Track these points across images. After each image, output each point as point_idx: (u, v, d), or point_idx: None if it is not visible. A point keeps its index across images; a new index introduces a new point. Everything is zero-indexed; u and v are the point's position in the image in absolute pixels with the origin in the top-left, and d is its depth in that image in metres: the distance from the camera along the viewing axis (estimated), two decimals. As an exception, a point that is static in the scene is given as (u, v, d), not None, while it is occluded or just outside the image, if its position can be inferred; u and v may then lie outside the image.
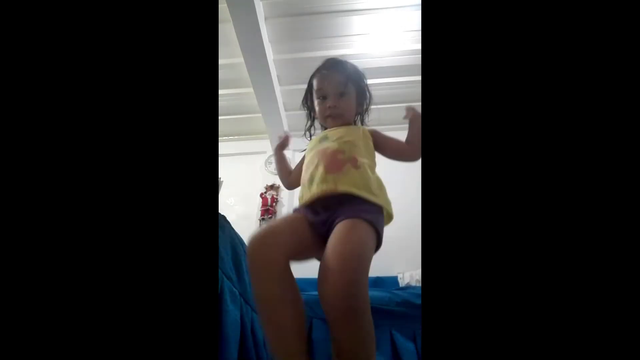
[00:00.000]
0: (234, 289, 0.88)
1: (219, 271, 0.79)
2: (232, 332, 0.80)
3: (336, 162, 0.80)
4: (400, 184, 2.81)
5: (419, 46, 2.42)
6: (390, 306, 1.59)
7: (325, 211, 0.76)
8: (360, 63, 2.55)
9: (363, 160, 0.83)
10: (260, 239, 0.68)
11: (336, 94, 0.96)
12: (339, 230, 0.67)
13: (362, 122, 1.07)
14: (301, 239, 0.74)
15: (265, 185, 2.88)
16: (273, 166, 2.99)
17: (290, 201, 2.85)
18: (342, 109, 0.96)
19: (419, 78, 2.61)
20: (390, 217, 0.83)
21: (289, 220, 0.76)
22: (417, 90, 2.69)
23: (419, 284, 2.23)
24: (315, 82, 1.01)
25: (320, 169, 0.80)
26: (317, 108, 1.00)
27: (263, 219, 2.71)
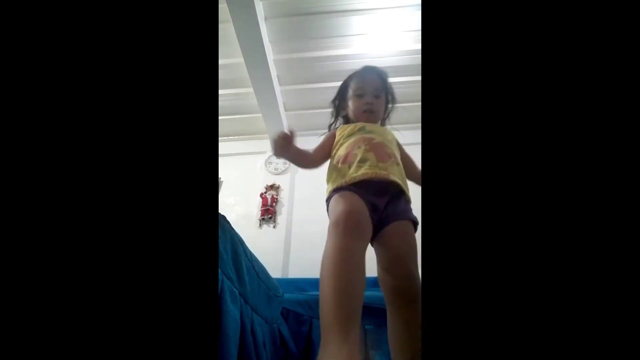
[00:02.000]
0: (234, 289, 0.88)
1: (219, 271, 0.79)
2: (232, 332, 0.80)
3: (384, 153, 0.91)
4: (400, 184, 2.82)
5: (419, 46, 2.42)
6: (390, 306, 1.59)
7: (377, 196, 0.84)
8: (360, 63, 2.55)
9: (399, 160, 0.96)
10: (357, 207, 0.78)
11: (373, 94, 1.12)
12: (401, 232, 0.82)
13: (384, 124, 1.20)
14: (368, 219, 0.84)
15: (265, 185, 2.88)
16: (273, 166, 2.99)
17: (290, 201, 2.84)
18: (375, 108, 1.11)
19: (419, 78, 2.61)
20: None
21: (359, 201, 0.82)
22: (417, 90, 2.69)
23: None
24: (353, 82, 1.15)
25: (372, 155, 0.89)
26: (352, 105, 1.13)
27: (263, 219, 2.71)
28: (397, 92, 2.84)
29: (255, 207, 2.80)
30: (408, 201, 0.91)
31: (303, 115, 2.97)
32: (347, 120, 1.18)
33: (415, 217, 0.88)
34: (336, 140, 1.05)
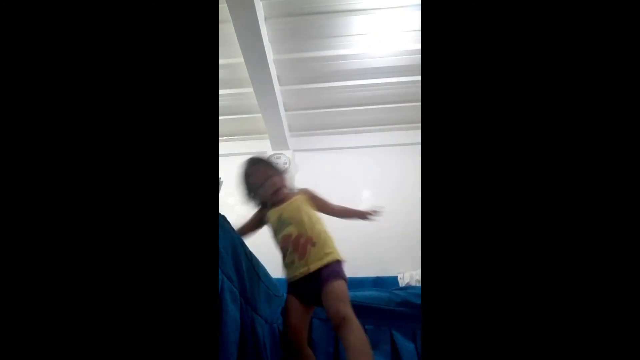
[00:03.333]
0: (234, 289, 0.88)
1: (219, 271, 0.79)
2: (232, 332, 0.80)
3: (301, 248, 1.15)
4: (401, 184, 2.82)
5: (419, 46, 2.42)
6: (390, 306, 1.59)
7: (309, 282, 1.12)
8: (360, 63, 2.55)
9: (314, 234, 1.17)
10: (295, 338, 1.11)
11: (266, 179, 1.32)
12: (326, 292, 1.06)
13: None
14: (307, 318, 1.19)
15: (265, 185, 2.87)
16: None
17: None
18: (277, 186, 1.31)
19: (419, 78, 2.60)
20: (342, 259, 1.20)
21: (298, 312, 1.14)
22: (417, 90, 2.69)
23: (419, 284, 2.22)
24: (250, 179, 1.37)
25: (295, 255, 1.15)
26: (262, 192, 1.33)
27: (263, 219, 2.71)
28: (397, 92, 2.85)
29: (255, 207, 2.80)
30: (330, 266, 1.12)
31: (303, 115, 2.97)
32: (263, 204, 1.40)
33: (338, 271, 1.13)
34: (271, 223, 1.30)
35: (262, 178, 1.32)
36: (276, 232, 1.25)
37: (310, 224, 1.20)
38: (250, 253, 1.05)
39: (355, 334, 0.97)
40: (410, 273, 2.36)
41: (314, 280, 1.11)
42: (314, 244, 1.15)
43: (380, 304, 1.59)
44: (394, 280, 2.39)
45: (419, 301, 1.59)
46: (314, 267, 1.12)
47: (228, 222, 0.91)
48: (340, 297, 1.05)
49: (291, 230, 1.19)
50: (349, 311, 1.01)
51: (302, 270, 1.13)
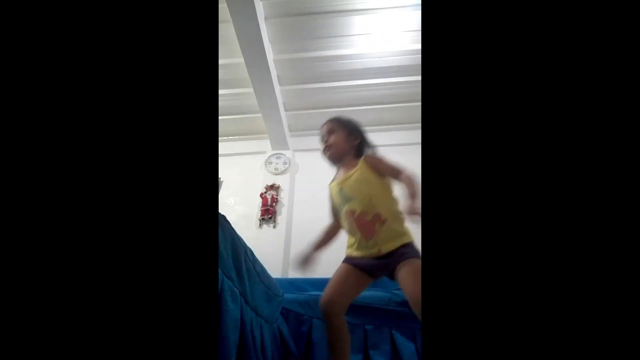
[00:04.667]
0: (234, 288, 0.88)
1: (219, 271, 0.79)
2: (232, 332, 0.80)
3: (368, 227, 1.01)
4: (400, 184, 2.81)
5: (419, 46, 2.42)
6: (390, 306, 1.59)
7: (378, 260, 1.00)
8: (360, 63, 2.55)
9: (383, 210, 1.02)
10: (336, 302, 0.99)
11: (326, 135, 1.19)
12: (408, 269, 0.94)
13: (359, 155, 1.20)
14: (357, 288, 1.04)
15: (265, 185, 2.88)
16: (273, 166, 2.99)
17: (290, 201, 2.85)
18: (331, 143, 1.18)
19: (419, 78, 2.60)
20: (412, 239, 1.05)
21: (349, 275, 1.02)
22: (417, 90, 2.69)
23: (419, 284, 2.22)
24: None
25: (360, 237, 1.02)
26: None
27: (263, 219, 2.71)
28: (397, 92, 2.84)
29: (255, 207, 2.80)
30: (405, 248, 1.00)
31: (303, 115, 2.97)
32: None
33: (410, 253, 0.98)
34: (332, 198, 1.18)
35: (325, 134, 1.19)
36: (339, 208, 1.10)
37: (376, 198, 1.04)
38: (251, 253, 1.05)
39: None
40: (410, 273, 2.36)
41: (386, 258, 0.98)
42: (383, 222, 1.00)
43: (380, 304, 1.58)
44: (394, 280, 2.39)
45: (419, 301, 1.59)
46: (385, 248, 0.98)
47: (228, 222, 0.91)
48: (419, 289, 0.90)
49: (354, 206, 1.04)
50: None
51: (372, 252, 0.99)
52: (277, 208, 2.79)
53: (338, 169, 1.19)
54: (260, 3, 2.11)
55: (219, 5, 1.89)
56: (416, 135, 2.93)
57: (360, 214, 1.02)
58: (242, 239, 0.99)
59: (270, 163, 3.01)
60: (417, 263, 0.93)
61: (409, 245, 1.00)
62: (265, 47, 2.22)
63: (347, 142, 1.17)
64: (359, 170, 1.09)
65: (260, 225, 2.70)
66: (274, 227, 2.68)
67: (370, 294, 1.61)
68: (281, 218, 2.73)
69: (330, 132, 1.18)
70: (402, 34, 2.37)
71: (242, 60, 2.30)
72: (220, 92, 2.75)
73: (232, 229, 0.93)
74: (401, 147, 3.01)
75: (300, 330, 1.50)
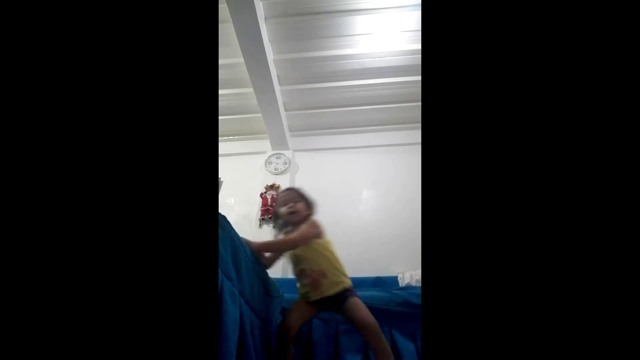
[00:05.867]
0: (234, 289, 0.88)
1: (219, 271, 0.79)
2: (232, 332, 0.80)
3: (314, 281, 1.28)
4: (400, 184, 2.82)
5: (419, 46, 2.42)
6: (390, 306, 1.59)
7: (327, 303, 1.28)
8: (360, 63, 2.55)
9: (324, 267, 1.30)
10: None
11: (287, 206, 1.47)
12: (351, 305, 1.23)
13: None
14: (309, 315, 1.33)
15: (265, 185, 2.88)
16: (273, 166, 2.99)
17: (290, 201, 2.84)
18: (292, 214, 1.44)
19: (419, 78, 2.60)
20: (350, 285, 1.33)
21: (301, 304, 1.30)
22: (417, 90, 2.69)
23: (419, 284, 2.22)
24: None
25: (309, 288, 1.28)
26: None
27: (263, 219, 2.71)
28: (397, 92, 2.85)
29: (255, 207, 2.80)
30: (344, 292, 1.26)
31: (303, 115, 2.97)
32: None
33: (347, 294, 1.26)
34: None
35: (290, 200, 1.47)
36: (294, 266, 1.40)
37: (321, 260, 1.32)
38: (251, 253, 1.05)
39: (384, 339, 1.16)
40: (410, 273, 2.36)
41: (329, 298, 1.26)
42: (325, 276, 1.29)
43: (380, 304, 1.58)
44: (394, 280, 2.39)
45: (419, 301, 1.59)
46: (328, 293, 1.27)
47: (228, 222, 0.91)
48: (363, 308, 1.22)
49: (304, 266, 1.33)
50: (374, 319, 1.18)
51: (316, 297, 1.28)
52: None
53: (288, 231, 1.43)
54: (260, 3, 2.11)
55: (219, 5, 1.90)
56: (416, 135, 2.94)
57: (310, 272, 1.30)
58: (242, 239, 0.99)
59: (270, 163, 3.01)
60: (356, 300, 1.24)
61: (347, 289, 1.28)
62: (265, 47, 2.22)
63: (305, 212, 1.43)
64: (310, 243, 1.35)
65: (260, 225, 2.70)
66: (274, 227, 2.68)
67: (370, 294, 1.61)
68: (281, 218, 2.72)
69: (295, 200, 1.44)
70: (402, 34, 2.37)
71: (242, 60, 2.30)
72: (220, 92, 2.75)
73: (232, 229, 0.93)
74: (401, 147, 3.02)
75: (300, 330, 1.50)
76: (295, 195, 1.48)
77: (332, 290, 1.27)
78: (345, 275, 1.34)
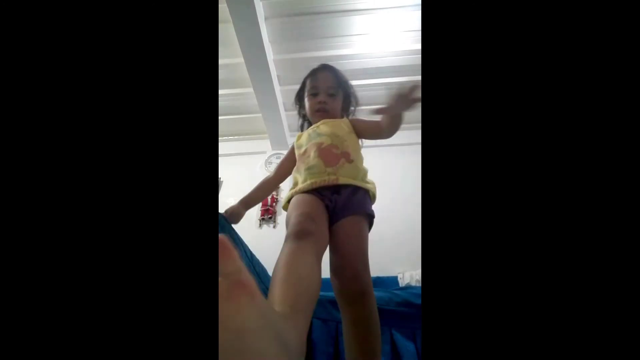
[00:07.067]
0: (234, 289, 0.88)
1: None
2: (232, 332, 0.79)
3: (333, 156, 0.92)
4: (400, 184, 2.81)
5: (419, 46, 2.42)
6: (390, 306, 1.59)
7: (330, 194, 0.87)
8: (360, 63, 2.55)
9: (354, 155, 0.96)
10: (303, 209, 0.79)
11: (326, 92, 1.09)
12: (348, 229, 0.81)
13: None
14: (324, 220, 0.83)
15: (265, 185, 2.88)
16: (273, 166, 2.99)
17: (290, 201, 2.85)
18: (329, 107, 1.08)
19: (419, 78, 2.59)
20: (374, 198, 0.97)
21: (314, 205, 0.84)
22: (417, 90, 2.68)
23: (419, 284, 2.23)
24: (308, 81, 1.15)
25: (319, 162, 0.91)
26: (307, 103, 1.12)
27: (263, 219, 2.71)
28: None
29: (255, 207, 2.80)
30: (364, 195, 0.90)
31: (303, 115, 2.97)
32: (306, 120, 1.19)
33: (371, 210, 0.87)
34: (296, 149, 1.06)
35: (322, 89, 1.08)
36: (302, 146, 1.00)
37: (350, 142, 0.97)
38: (251, 253, 1.05)
39: (373, 316, 0.75)
40: (410, 273, 2.37)
41: (339, 194, 0.86)
42: (350, 161, 0.92)
43: (380, 304, 1.58)
44: (394, 280, 2.39)
45: (419, 301, 1.59)
46: (343, 180, 0.87)
47: (228, 222, 0.91)
48: (361, 252, 0.79)
49: (322, 139, 0.95)
50: (369, 281, 0.75)
51: (326, 178, 0.87)
52: (277, 208, 2.79)
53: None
54: (260, 3, 2.11)
55: (219, 5, 1.90)
56: (416, 135, 2.93)
57: (328, 146, 0.93)
58: (242, 239, 0.99)
59: (270, 163, 3.01)
60: (362, 227, 0.82)
61: (365, 195, 0.90)
62: (265, 47, 2.22)
63: (341, 109, 1.13)
64: (340, 121, 1.06)
65: (260, 225, 2.70)
66: (274, 227, 2.68)
67: (370, 294, 1.60)
68: (281, 218, 2.73)
69: (331, 94, 1.09)
70: (402, 34, 2.37)
71: (242, 60, 2.30)
72: (220, 92, 2.75)
73: (233, 229, 0.93)
74: (401, 147, 3.01)
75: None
76: (335, 88, 1.09)
77: (350, 179, 0.85)
78: (373, 185, 0.94)
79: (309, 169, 0.92)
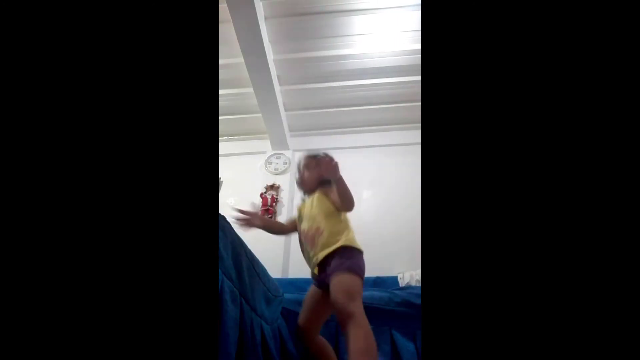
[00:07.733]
0: (234, 289, 0.88)
1: (219, 271, 0.79)
2: (232, 331, 0.80)
3: (311, 240, 1.15)
4: (400, 184, 2.82)
5: (419, 46, 2.42)
6: (390, 306, 1.59)
7: (324, 275, 1.10)
8: (360, 63, 2.55)
9: (322, 223, 1.14)
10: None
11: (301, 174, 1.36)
12: (332, 287, 1.02)
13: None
14: (323, 309, 1.17)
15: (265, 185, 2.88)
16: (273, 166, 2.99)
17: (290, 201, 2.85)
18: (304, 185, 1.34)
19: (419, 78, 2.60)
20: (350, 242, 1.13)
21: (313, 296, 1.19)
22: (417, 90, 2.69)
23: (419, 284, 2.22)
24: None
25: (307, 247, 1.18)
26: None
27: (263, 219, 2.70)
28: (397, 92, 2.84)
29: (255, 208, 2.80)
30: (340, 254, 1.08)
31: (303, 115, 2.97)
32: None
33: (347, 262, 1.06)
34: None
35: (301, 169, 1.38)
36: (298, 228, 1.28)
37: (320, 216, 1.17)
38: (250, 253, 1.05)
39: (360, 336, 0.89)
40: (410, 273, 2.36)
41: (324, 270, 1.08)
42: (320, 233, 1.12)
43: (380, 304, 1.58)
44: (394, 280, 2.39)
45: (419, 301, 1.59)
46: (321, 255, 1.08)
47: (228, 222, 0.91)
48: (347, 291, 0.97)
49: (304, 225, 1.20)
50: (356, 309, 0.93)
51: (313, 261, 1.12)
52: (277, 208, 2.79)
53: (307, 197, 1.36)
54: (260, 3, 2.11)
55: (219, 5, 1.89)
56: (416, 135, 2.94)
57: (307, 231, 1.18)
58: (242, 240, 0.99)
59: (270, 163, 3.01)
60: (343, 278, 1.01)
61: (343, 253, 1.07)
62: (265, 47, 2.22)
63: (315, 180, 1.32)
64: (314, 198, 1.26)
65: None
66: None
67: (370, 294, 1.61)
68: (281, 218, 2.73)
69: (305, 167, 1.35)
70: (402, 34, 2.37)
71: (242, 60, 2.30)
72: (220, 92, 2.75)
73: (233, 229, 0.93)
74: (401, 147, 3.02)
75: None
76: (306, 163, 1.34)
77: (325, 251, 1.06)
78: (348, 235, 1.11)
79: (305, 254, 1.21)
